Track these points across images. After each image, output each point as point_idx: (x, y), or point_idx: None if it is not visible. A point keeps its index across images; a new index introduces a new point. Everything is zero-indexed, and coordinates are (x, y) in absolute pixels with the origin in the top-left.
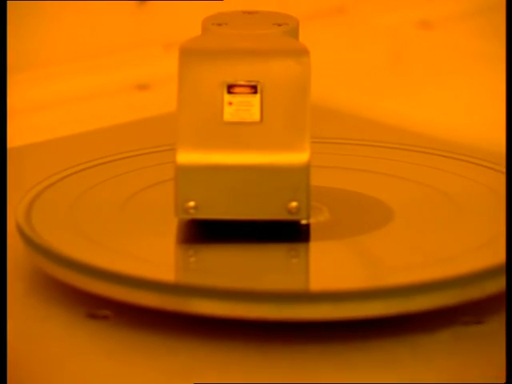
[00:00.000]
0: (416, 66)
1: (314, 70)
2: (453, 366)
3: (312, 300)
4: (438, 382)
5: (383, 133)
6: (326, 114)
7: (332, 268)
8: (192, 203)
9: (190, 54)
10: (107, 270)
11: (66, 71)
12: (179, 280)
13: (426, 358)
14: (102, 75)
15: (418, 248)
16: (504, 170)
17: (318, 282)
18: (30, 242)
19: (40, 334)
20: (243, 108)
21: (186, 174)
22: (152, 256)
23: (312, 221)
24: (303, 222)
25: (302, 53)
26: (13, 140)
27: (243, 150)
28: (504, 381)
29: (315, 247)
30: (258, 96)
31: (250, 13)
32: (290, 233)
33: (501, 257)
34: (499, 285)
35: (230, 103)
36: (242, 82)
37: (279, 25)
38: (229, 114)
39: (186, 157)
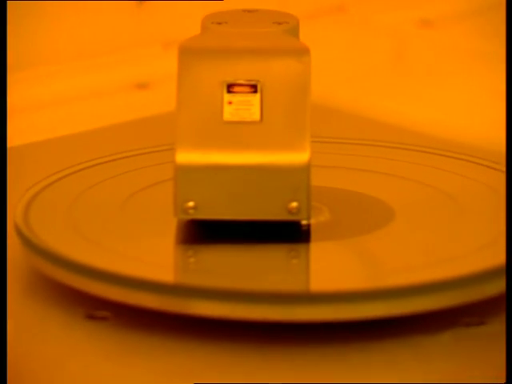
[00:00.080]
0: (416, 65)
1: (315, 69)
2: (454, 366)
3: (312, 301)
4: (439, 382)
5: (384, 132)
6: (327, 113)
7: (332, 269)
8: (191, 203)
9: (189, 53)
10: (106, 271)
11: (65, 70)
12: (178, 281)
13: (427, 360)
14: (101, 74)
15: (419, 248)
16: (504, 169)
17: (319, 282)
18: (27, 242)
19: (38, 335)
20: (243, 107)
21: (186, 173)
22: (151, 256)
23: (312, 221)
24: (303, 222)
25: (302, 52)
26: (12, 139)
27: (243, 149)
28: (504, 381)
29: (315, 248)
30: (258, 95)
31: (249, 11)
32: (290, 233)
33: (502, 258)
34: (501, 286)
35: (230, 102)
36: (242, 81)
37: (279, 23)
38: (229, 113)
39: (186, 156)
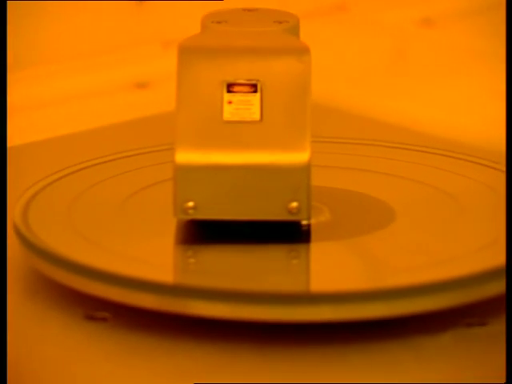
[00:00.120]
0: (417, 64)
1: (315, 68)
2: (454, 367)
3: (313, 301)
4: (440, 382)
5: (384, 132)
6: (327, 113)
7: (333, 269)
8: (191, 203)
9: (189, 53)
10: (105, 271)
11: (65, 70)
12: (178, 281)
13: (428, 360)
14: (100, 74)
15: (420, 249)
16: (504, 168)
17: (319, 283)
18: (26, 242)
19: (37, 335)
20: (243, 107)
21: (185, 173)
22: (150, 257)
23: (313, 221)
24: (304, 222)
25: (302, 51)
26: (12, 139)
27: (243, 149)
28: (504, 381)
29: (316, 248)
30: (258, 95)
31: (250, 10)
32: (290, 233)
33: (504, 258)
34: (502, 286)
35: (230, 102)
36: (242, 81)
37: (279, 22)
38: (228, 112)
39: (185, 156)
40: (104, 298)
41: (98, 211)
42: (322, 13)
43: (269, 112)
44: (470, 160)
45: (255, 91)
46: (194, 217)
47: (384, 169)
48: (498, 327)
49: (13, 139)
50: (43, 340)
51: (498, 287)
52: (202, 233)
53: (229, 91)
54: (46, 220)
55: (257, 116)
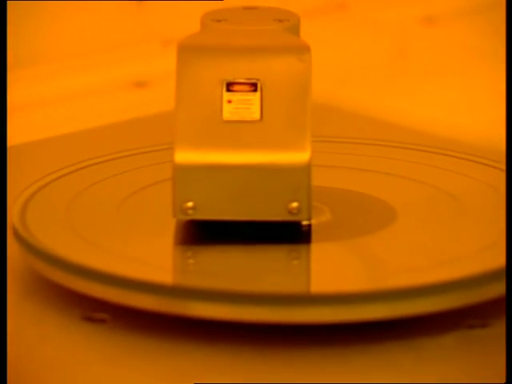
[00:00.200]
0: (418, 63)
1: (315, 67)
2: (455, 369)
3: (313, 302)
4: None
5: (385, 131)
6: (328, 112)
7: (333, 270)
8: (190, 204)
9: (188, 51)
10: (104, 272)
11: (64, 69)
12: (177, 282)
13: (429, 362)
14: (100, 73)
15: (421, 249)
16: (504, 167)
17: (319, 284)
18: (24, 243)
19: (35, 337)
20: (243, 106)
21: (184, 173)
22: (150, 258)
23: (313, 221)
24: (304, 222)
25: (303, 50)
26: (12, 138)
27: (243, 149)
28: (504, 381)
29: (316, 248)
30: (257, 94)
31: (249, 9)
32: (290, 234)
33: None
34: (504, 287)
35: (230, 101)
36: (242, 80)
37: (280, 21)
38: (228, 112)
39: (185, 156)
40: (103, 298)
41: (97, 211)
42: (323, 11)
43: (269, 111)
44: (470, 159)
45: (255, 90)
46: (194, 217)
47: (385, 168)
48: (499, 329)
49: (12, 138)
50: (41, 341)
51: (501, 288)
52: (202, 233)
53: (228, 90)
54: (44, 220)
55: (257, 115)
